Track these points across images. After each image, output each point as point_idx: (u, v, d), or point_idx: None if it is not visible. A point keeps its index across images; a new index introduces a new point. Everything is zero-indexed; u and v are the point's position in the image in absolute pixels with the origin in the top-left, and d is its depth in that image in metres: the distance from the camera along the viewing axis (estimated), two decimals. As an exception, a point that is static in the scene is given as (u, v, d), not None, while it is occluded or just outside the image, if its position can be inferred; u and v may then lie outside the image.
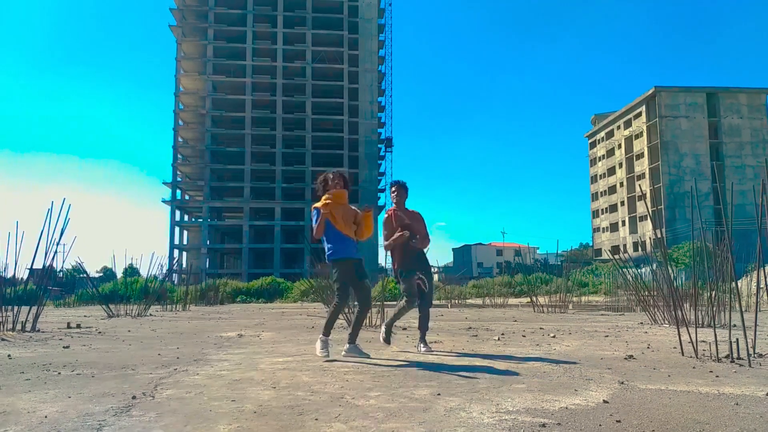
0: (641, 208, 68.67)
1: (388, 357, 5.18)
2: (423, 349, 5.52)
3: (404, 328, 8.70)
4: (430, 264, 5.87)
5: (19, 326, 8.47)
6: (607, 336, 7.37)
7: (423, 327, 5.65)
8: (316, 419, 2.75)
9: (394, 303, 6.22)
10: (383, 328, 5.76)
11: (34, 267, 9.48)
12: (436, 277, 54.93)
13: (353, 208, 5.27)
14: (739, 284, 11.40)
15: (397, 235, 5.57)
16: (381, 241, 6.03)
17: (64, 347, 6.17)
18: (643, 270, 14.62)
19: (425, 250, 5.82)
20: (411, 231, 5.57)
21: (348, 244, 5.08)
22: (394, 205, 5.78)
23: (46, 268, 9.15)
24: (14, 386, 3.71)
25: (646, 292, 10.59)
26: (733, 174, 62.96)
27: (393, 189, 5.75)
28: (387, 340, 5.71)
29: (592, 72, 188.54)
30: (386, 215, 5.76)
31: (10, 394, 3.44)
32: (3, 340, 7.19)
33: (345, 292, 5.12)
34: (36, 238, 8.78)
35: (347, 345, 5.08)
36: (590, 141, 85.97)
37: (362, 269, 5.17)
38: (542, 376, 4.00)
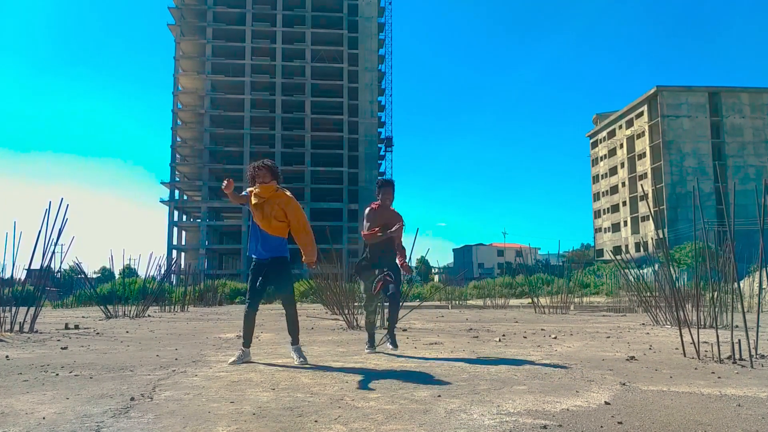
0: (643, 208, 68.64)
1: (388, 359, 5.16)
2: (389, 347, 5.37)
3: (404, 330, 8.69)
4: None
5: (17, 327, 8.44)
6: (609, 337, 7.35)
7: (391, 324, 5.47)
8: (316, 421, 2.73)
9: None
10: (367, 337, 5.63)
11: (31, 267, 9.46)
12: (436, 278, 55.01)
13: (286, 197, 4.86)
14: (741, 285, 11.40)
15: (376, 230, 5.41)
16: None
17: (62, 348, 6.15)
18: (645, 270, 14.60)
19: (405, 274, 5.58)
20: (389, 225, 5.39)
21: (257, 241, 4.81)
22: (379, 201, 5.57)
23: (44, 268, 9.13)
24: (12, 387, 3.69)
25: (648, 293, 10.58)
26: (735, 174, 62.92)
27: (387, 190, 5.52)
28: (371, 345, 5.54)
29: (593, 71, 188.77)
30: (371, 208, 5.56)
31: (7, 395, 3.42)
32: (1, 341, 7.17)
33: (252, 296, 4.77)
34: (34, 238, 8.74)
35: (290, 346, 4.89)
36: (592, 141, 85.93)
37: (275, 271, 4.77)
38: (543, 378, 3.98)
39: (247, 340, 4.80)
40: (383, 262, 5.39)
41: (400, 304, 5.54)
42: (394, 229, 5.38)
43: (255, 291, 4.80)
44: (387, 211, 5.53)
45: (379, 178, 5.87)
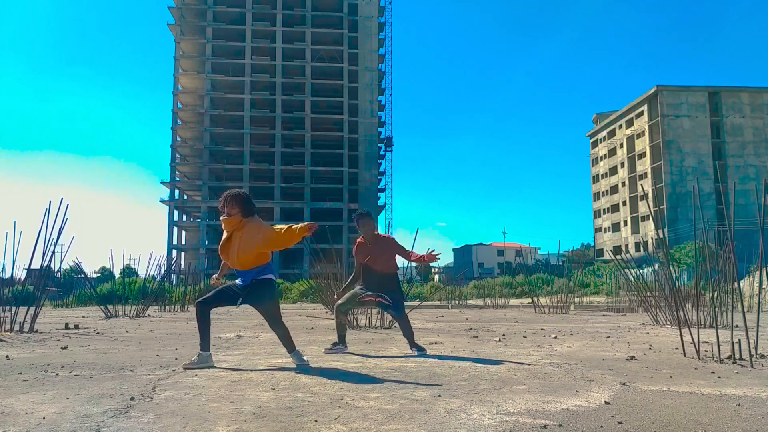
0: (643, 207, 68.63)
1: (388, 359, 5.16)
2: (416, 353, 5.38)
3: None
4: (398, 281, 5.70)
5: (17, 327, 8.45)
6: (609, 337, 7.35)
7: (406, 336, 5.57)
8: (316, 421, 2.73)
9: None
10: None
11: (31, 267, 9.47)
12: (436, 278, 55.12)
13: (248, 225, 4.46)
14: (741, 285, 11.41)
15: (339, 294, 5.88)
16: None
17: (62, 348, 6.15)
18: (645, 270, 14.60)
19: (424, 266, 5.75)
20: (372, 261, 5.51)
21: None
22: (361, 236, 5.68)
23: (44, 268, 9.13)
24: (12, 387, 3.69)
25: (648, 293, 10.58)
26: (735, 174, 62.93)
27: (362, 223, 5.61)
28: (337, 344, 5.57)
29: (593, 71, 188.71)
30: (356, 242, 5.74)
31: (7, 395, 3.42)
32: (1, 340, 7.18)
33: (212, 296, 4.55)
34: (34, 238, 8.75)
35: (294, 351, 4.65)
36: (592, 140, 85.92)
37: (252, 291, 4.46)
38: (543, 377, 3.98)
39: (205, 341, 4.46)
40: (374, 284, 5.48)
41: (405, 315, 5.59)
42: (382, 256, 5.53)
43: (220, 295, 4.55)
44: (373, 242, 5.59)
45: (353, 214, 5.95)
